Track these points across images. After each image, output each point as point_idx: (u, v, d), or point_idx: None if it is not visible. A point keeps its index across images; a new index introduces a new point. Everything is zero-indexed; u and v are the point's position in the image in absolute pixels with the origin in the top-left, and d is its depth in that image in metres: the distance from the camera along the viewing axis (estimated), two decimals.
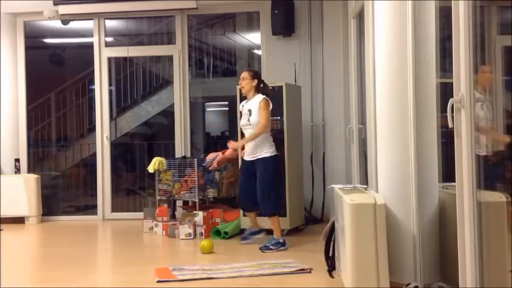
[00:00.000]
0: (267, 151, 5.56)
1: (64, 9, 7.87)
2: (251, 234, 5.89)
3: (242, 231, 6.15)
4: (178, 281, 4.41)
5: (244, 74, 5.73)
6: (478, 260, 2.74)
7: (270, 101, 5.62)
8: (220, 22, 9.96)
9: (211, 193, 6.72)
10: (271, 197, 5.56)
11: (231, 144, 5.89)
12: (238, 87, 6.03)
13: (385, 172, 3.98)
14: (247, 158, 5.70)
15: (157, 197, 6.99)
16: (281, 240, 5.60)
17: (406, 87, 3.81)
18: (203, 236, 6.26)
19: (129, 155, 10.01)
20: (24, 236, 7.16)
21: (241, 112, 5.84)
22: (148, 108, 9.89)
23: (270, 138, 5.65)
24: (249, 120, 5.60)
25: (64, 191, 9.19)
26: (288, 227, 6.31)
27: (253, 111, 5.59)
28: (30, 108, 8.63)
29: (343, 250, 3.78)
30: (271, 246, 5.53)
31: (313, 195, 7.29)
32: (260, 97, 5.61)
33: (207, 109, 10.98)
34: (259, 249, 5.53)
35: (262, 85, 5.74)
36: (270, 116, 5.59)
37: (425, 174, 3.78)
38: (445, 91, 3.48)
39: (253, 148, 5.59)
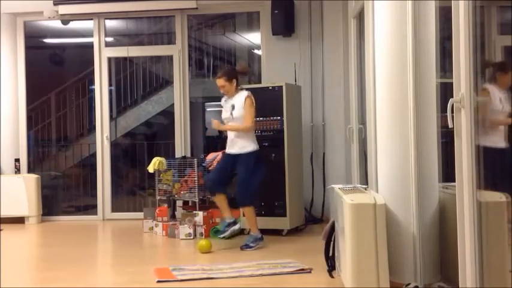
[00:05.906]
0: (249, 145, 5.72)
1: (64, 9, 7.87)
2: (227, 226, 5.83)
3: (242, 231, 6.15)
4: (178, 281, 4.41)
5: (221, 82, 5.74)
6: (478, 260, 2.74)
7: (252, 96, 5.72)
8: (220, 22, 9.95)
9: None
10: (248, 188, 5.68)
11: (215, 122, 5.85)
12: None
13: (385, 172, 3.98)
14: (230, 151, 5.81)
15: (157, 197, 6.99)
16: (259, 236, 5.73)
17: (406, 87, 3.81)
18: (203, 236, 6.26)
19: (129, 154, 9.99)
20: (24, 236, 7.16)
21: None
22: (149, 108, 9.89)
23: (253, 133, 5.83)
24: (232, 114, 5.73)
25: (64, 191, 9.17)
26: (288, 227, 6.32)
27: (236, 106, 5.72)
28: (30, 108, 8.62)
29: (343, 250, 3.78)
30: (251, 244, 5.65)
31: (313, 195, 7.29)
32: (244, 93, 5.74)
33: (207, 109, 10.94)
34: (240, 248, 5.62)
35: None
36: (254, 114, 5.71)
37: (425, 174, 3.78)
38: (445, 91, 3.48)
39: (238, 143, 5.73)
